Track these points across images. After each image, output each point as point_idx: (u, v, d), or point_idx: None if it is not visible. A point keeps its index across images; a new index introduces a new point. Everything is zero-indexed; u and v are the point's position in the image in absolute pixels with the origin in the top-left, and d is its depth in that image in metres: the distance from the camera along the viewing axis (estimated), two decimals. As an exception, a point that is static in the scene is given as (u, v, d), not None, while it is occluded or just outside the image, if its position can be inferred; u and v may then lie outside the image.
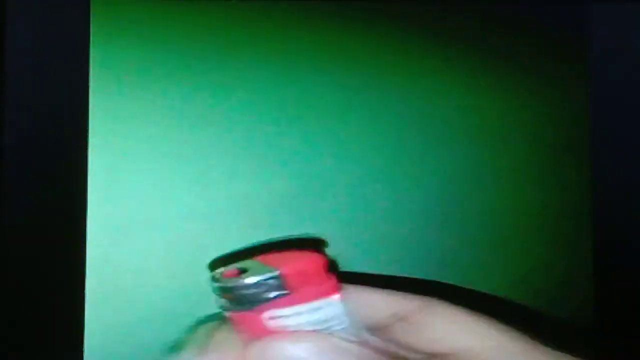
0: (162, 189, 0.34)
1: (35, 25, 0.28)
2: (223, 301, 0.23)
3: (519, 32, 0.39)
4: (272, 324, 0.23)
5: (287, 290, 0.23)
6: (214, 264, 0.32)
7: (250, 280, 0.22)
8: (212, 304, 0.28)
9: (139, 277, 0.34)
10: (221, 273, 0.23)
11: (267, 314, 0.23)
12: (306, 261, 0.24)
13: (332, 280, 0.24)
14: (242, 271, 0.23)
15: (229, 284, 0.22)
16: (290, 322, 0.23)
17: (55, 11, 0.29)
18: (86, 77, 0.29)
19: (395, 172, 0.38)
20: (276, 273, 0.23)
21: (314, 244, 0.35)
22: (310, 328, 0.23)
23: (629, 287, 0.29)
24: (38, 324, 0.30)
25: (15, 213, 0.29)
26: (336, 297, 0.24)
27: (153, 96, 0.33)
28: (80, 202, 0.30)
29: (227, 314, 0.23)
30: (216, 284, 0.23)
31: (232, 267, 0.23)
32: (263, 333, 0.23)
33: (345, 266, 0.34)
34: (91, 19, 0.29)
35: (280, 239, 0.35)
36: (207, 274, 0.31)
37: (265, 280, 0.23)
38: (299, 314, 0.23)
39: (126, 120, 0.32)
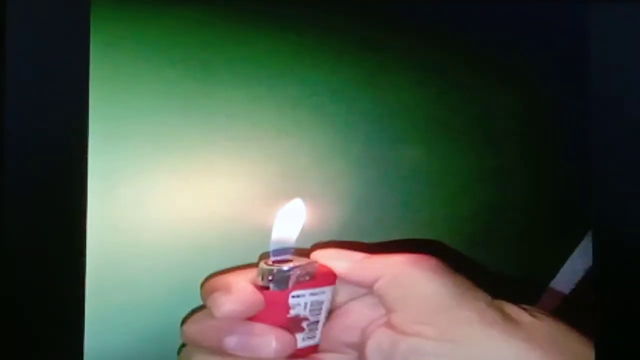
0: (162, 189, 0.34)
1: (36, 25, 0.28)
2: (265, 280, 0.31)
3: (519, 32, 0.40)
4: (292, 301, 0.32)
5: (309, 277, 0.32)
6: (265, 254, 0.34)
7: (287, 266, 0.31)
8: None
9: (139, 277, 0.34)
10: (269, 260, 0.32)
11: (292, 293, 0.32)
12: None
13: (333, 274, 0.33)
14: (285, 261, 0.32)
15: (272, 268, 0.31)
16: (304, 300, 0.32)
17: (56, 11, 0.28)
18: (86, 77, 0.29)
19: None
20: (306, 264, 0.32)
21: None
22: (314, 305, 0.32)
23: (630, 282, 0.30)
24: (38, 324, 0.29)
25: (15, 213, 0.28)
26: (333, 286, 0.33)
27: (154, 96, 0.33)
28: (80, 202, 0.29)
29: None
30: (264, 267, 0.31)
31: (278, 257, 0.32)
32: (284, 308, 0.31)
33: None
34: (91, 18, 0.29)
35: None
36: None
37: (297, 267, 0.31)
38: (312, 294, 0.32)
39: (126, 120, 0.32)
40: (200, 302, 0.33)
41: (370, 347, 0.31)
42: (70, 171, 0.29)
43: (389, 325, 0.31)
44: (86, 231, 0.30)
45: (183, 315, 0.34)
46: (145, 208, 0.33)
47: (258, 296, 0.31)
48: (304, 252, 0.34)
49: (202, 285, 0.32)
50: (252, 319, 0.31)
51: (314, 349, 0.33)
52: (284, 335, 0.30)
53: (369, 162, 0.39)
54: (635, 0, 0.30)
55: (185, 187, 0.34)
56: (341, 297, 0.33)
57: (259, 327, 0.30)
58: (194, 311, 0.33)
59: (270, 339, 0.30)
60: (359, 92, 0.39)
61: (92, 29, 0.28)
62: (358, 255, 0.33)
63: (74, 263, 0.29)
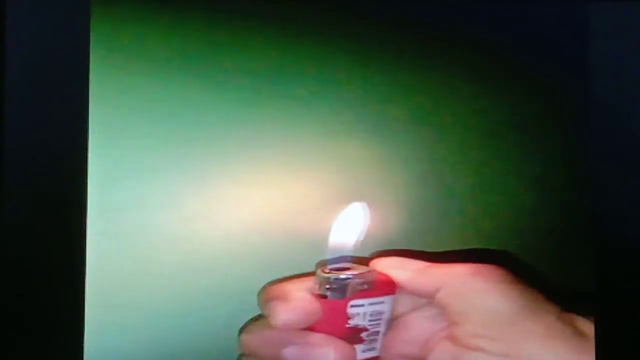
0: (162, 190, 0.34)
1: (36, 25, 0.28)
2: (322, 289, 0.30)
3: (518, 32, 0.39)
4: (351, 310, 0.31)
5: (368, 286, 0.31)
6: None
7: (346, 275, 0.31)
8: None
9: (139, 278, 0.33)
10: (326, 268, 0.31)
11: (350, 302, 0.31)
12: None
13: (393, 283, 0.32)
14: (343, 269, 0.31)
15: (329, 276, 0.30)
16: (363, 310, 0.31)
17: (56, 11, 0.28)
18: (86, 77, 0.29)
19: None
20: (365, 272, 0.31)
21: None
22: (374, 316, 0.31)
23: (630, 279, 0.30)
24: (38, 324, 0.29)
25: (15, 213, 0.29)
26: (393, 296, 0.32)
27: (154, 96, 0.33)
28: (80, 203, 0.30)
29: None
30: (322, 275, 0.31)
31: (336, 265, 0.32)
32: (342, 318, 0.31)
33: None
34: (91, 19, 0.29)
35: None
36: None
37: (356, 275, 0.31)
38: (372, 304, 0.31)
39: (126, 120, 0.32)
40: (200, 303, 0.33)
41: None
42: (71, 171, 0.29)
43: (451, 338, 0.29)
44: (86, 231, 0.30)
45: (183, 315, 0.34)
46: (146, 208, 0.33)
47: (316, 305, 0.30)
48: (362, 260, 0.33)
49: (259, 293, 0.32)
50: (310, 328, 0.30)
51: None
52: (343, 346, 0.30)
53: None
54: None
55: (186, 187, 0.34)
56: (401, 308, 0.32)
57: (317, 337, 0.29)
58: (251, 320, 0.32)
59: (329, 350, 0.29)
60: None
61: (92, 29, 0.28)
62: (419, 264, 0.32)
63: (74, 264, 0.29)
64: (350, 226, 0.33)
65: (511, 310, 0.29)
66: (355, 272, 0.31)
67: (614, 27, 0.30)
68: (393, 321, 0.32)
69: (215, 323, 0.35)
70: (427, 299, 0.31)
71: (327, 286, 0.30)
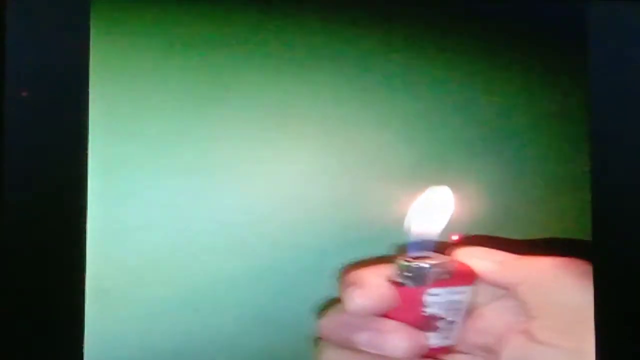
0: (162, 189, 0.34)
1: (36, 25, 0.28)
2: (401, 277, 0.31)
3: (518, 31, 0.37)
4: (427, 299, 0.30)
5: (447, 275, 0.31)
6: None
7: (426, 263, 0.31)
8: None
9: (139, 278, 0.34)
10: (406, 255, 0.31)
11: (428, 291, 0.30)
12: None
13: (473, 273, 0.31)
14: (423, 257, 0.31)
15: (410, 265, 0.30)
16: (440, 299, 0.31)
17: (56, 11, 0.28)
18: (86, 77, 0.29)
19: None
20: (445, 261, 0.31)
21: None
22: (451, 305, 0.31)
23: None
24: (38, 324, 0.30)
25: (15, 214, 0.29)
26: (472, 286, 0.32)
27: (154, 95, 0.33)
28: (80, 202, 0.30)
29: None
30: (401, 263, 0.31)
31: (416, 253, 0.32)
32: (418, 306, 0.31)
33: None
34: (91, 18, 0.29)
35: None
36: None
37: (436, 265, 0.31)
38: (450, 293, 0.31)
39: (126, 120, 0.33)
40: (200, 303, 0.34)
41: (506, 357, 0.29)
42: (70, 171, 0.29)
43: (526, 332, 0.29)
44: (86, 231, 0.30)
45: (183, 315, 0.34)
46: (145, 208, 0.33)
47: (391, 292, 0.30)
48: (444, 247, 0.33)
49: (338, 278, 0.33)
50: (385, 315, 0.30)
51: (448, 349, 0.32)
52: (416, 334, 0.30)
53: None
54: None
55: (186, 187, 0.34)
56: (480, 298, 0.32)
57: (390, 324, 0.30)
58: (329, 304, 0.33)
59: (401, 338, 0.29)
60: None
61: (92, 28, 0.29)
62: (502, 256, 0.31)
63: (75, 263, 0.30)
64: (432, 211, 0.33)
65: (584, 305, 0.28)
66: (435, 262, 0.31)
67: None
68: (471, 311, 0.32)
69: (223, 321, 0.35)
70: (508, 291, 0.31)
71: (406, 274, 0.30)
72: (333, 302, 0.33)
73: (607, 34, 0.29)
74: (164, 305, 0.34)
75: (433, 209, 0.32)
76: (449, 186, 0.33)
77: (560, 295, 0.29)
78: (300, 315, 0.34)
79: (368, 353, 0.30)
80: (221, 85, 0.34)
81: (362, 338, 0.29)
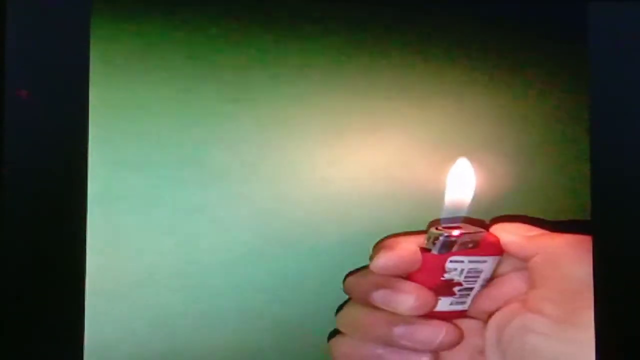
0: (163, 190, 0.34)
1: (36, 25, 0.29)
2: (429, 243, 0.32)
3: (518, 30, 0.37)
4: (449, 265, 0.32)
5: (473, 245, 0.32)
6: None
7: (454, 232, 0.32)
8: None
9: (139, 279, 0.34)
10: (439, 225, 0.33)
11: (450, 257, 0.32)
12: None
13: (499, 245, 0.33)
14: (454, 227, 0.33)
15: (440, 233, 0.32)
16: (462, 266, 0.32)
17: (56, 11, 0.29)
18: (86, 77, 0.30)
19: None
20: (475, 232, 0.32)
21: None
22: (470, 273, 0.32)
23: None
24: (38, 324, 0.30)
25: (15, 214, 0.29)
26: (498, 257, 0.33)
27: (154, 95, 0.34)
28: (81, 203, 0.30)
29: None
30: (432, 231, 0.32)
31: (449, 224, 0.33)
32: (439, 271, 0.32)
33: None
34: (91, 18, 0.30)
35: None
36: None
37: (464, 234, 0.32)
38: (472, 261, 0.32)
39: (126, 120, 0.33)
40: (200, 303, 0.34)
41: (491, 320, 0.31)
42: (70, 171, 0.30)
43: (524, 301, 0.30)
44: (86, 232, 0.31)
45: (183, 315, 0.34)
46: (145, 208, 0.33)
47: (415, 256, 0.32)
48: (479, 223, 0.34)
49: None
50: (407, 277, 0.32)
51: (461, 314, 0.33)
52: (426, 294, 0.31)
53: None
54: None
55: (186, 187, 0.34)
56: (502, 268, 0.33)
57: (404, 284, 0.32)
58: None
59: (410, 297, 0.31)
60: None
61: (92, 29, 0.30)
62: (532, 231, 0.32)
63: (75, 264, 0.30)
64: (464, 186, 0.34)
65: (583, 277, 0.28)
66: (464, 231, 0.32)
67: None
68: (490, 280, 0.33)
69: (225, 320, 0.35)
70: (526, 262, 0.32)
71: (434, 241, 0.32)
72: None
73: (607, 34, 0.29)
74: (164, 306, 0.34)
75: (466, 183, 0.34)
76: (483, 161, 0.35)
77: (565, 268, 0.29)
78: (303, 318, 0.36)
79: (384, 311, 0.32)
80: (222, 85, 0.35)
81: (376, 295, 0.31)
